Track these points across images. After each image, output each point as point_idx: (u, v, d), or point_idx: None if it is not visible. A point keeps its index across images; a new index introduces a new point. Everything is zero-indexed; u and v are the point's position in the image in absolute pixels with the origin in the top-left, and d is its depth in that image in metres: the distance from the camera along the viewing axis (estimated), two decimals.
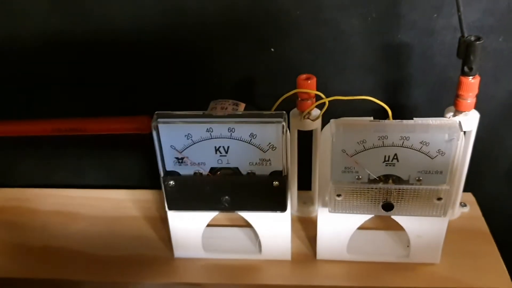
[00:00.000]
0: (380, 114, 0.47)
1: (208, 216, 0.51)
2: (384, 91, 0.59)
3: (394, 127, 0.42)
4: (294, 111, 0.53)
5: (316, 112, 0.52)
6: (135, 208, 0.61)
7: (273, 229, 0.51)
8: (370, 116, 0.48)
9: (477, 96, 0.50)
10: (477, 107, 0.52)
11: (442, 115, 0.52)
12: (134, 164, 0.66)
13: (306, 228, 0.57)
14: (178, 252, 0.54)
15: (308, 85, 0.50)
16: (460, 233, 0.55)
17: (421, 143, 0.42)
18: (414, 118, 0.43)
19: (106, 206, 0.62)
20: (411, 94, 0.59)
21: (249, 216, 0.50)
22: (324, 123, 0.52)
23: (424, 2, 0.54)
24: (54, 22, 0.57)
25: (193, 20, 0.56)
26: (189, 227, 0.51)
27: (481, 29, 0.55)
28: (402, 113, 0.61)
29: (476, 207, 0.59)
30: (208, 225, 0.52)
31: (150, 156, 0.46)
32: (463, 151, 0.52)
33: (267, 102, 0.50)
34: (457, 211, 0.57)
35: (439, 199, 0.44)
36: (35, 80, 0.61)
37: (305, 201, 0.60)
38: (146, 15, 0.56)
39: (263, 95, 0.60)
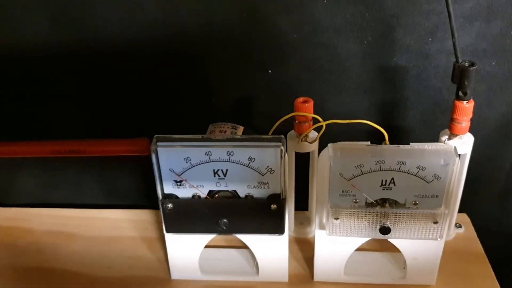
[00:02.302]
0: (376, 136, 0.47)
1: (206, 238, 0.51)
2: (380, 112, 0.60)
3: (391, 152, 0.43)
4: (292, 133, 0.53)
5: (313, 134, 0.53)
6: (132, 228, 0.61)
7: (271, 251, 0.51)
8: (366, 138, 0.49)
9: (471, 119, 0.51)
10: (471, 129, 0.52)
11: (436, 136, 0.53)
12: (133, 184, 0.66)
13: (303, 249, 0.57)
14: (175, 274, 0.54)
15: (306, 108, 0.51)
16: (455, 254, 0.56)
17: (417, 167, 0.43)
18: (411, 143, 0.44)
19: (103, 226, 0.62)
20: (407, 115, 0.60)
21: (246, 238, 0.50)
22: (321, 145, 0.53)
23: (418, 26, 0.55)
24: (53, 40, 0.57)
25: (192, 42, 0.57)
26: (186, 249, 0.51)
27: (475, 53, 0.56)
28: (397, 133, 0.61)
29: (471, 228, 0.60)
30: (206, 246, 0.52)
31: (149, 176, 0.46)
32: (458, 174, 0.53)
33: (265, 123, 0.51)
34: (452, 232, 0.58)
35: (436, 222, 0.45)
36: (34, 99, 0.62)
37: (302, 222, 0.61)
38: (146, 38, 0.56)
39: (261, 116, 0.60)
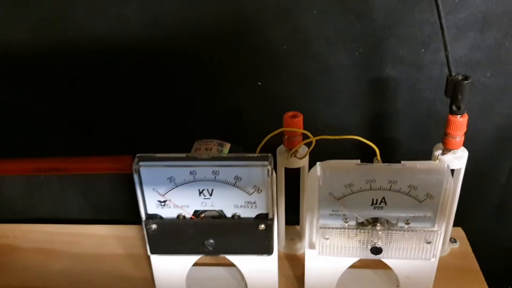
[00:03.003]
0: (369, 149, 0.46)
1: (193, 257, 0.49)
2: (372, 125, 0.59)
3: (381, 171, 0.41)
4: (281, 148, 0.52)
5: (303, 149, 0.51)
6: (119, 245, 0.59)
7: (259, 270, 0.49)
8: (358, 152, 0.47)
9: (466, 132, 0.50)
10: (466, 142, 0.51)
11: (430, 149, 0.52)
12: (119, 198, 0.65)
13: (293, 266, 0.56)
14: None
15: (295, 123, 0.49)
16: (450, 270, 0.54)
17: (409, 186, 0.42)
18: (402, 162, 0.42)
19: (89, 243, 0.60)
20: (400, 128, 0.59)
21: (235, 257, 0.49)
22: (312, 160, 0.52)
23: (411, 37, 0.54)
24: (35, 51, 0.56)
25: (180, 56, 0.55)
26: (173, 268, 0.50)
27: (469, 64, 0.55)
28: (390, 146, 0.60)
29: (466, 243, 0.58)
30: (194, 264, 0.50)
31: (134, 191, 0.45)
32: (452, 190, 0.52)
33: (254, 136, 0.49)
34: (446, 247, 0.57)
35: (429, 242, 0.43)
36: (16, 114, 0.60)
37: (293, 238, 0.59)
38: (133, 54, 0.55)
39: (251, 130, 0.58)
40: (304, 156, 0.51)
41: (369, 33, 0.53)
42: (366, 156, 0.48)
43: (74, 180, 0.61)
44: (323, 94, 0.57)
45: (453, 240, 0.57)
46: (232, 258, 0.49)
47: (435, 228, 0.43)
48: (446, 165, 0.41)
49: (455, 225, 0.59)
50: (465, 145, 0.51)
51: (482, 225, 0.63)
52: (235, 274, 0.54)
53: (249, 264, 0.49)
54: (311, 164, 0.52)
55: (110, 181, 0.60)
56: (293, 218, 0.59)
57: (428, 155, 0.52)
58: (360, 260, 0.50)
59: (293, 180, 0.54)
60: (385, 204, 0.43)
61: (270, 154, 0.42)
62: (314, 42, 0.54)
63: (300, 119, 0.49)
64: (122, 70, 0.56)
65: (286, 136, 0.50)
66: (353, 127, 0.59)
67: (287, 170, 0.52)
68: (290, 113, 0.49)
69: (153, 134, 0.60)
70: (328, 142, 0.49)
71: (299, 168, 0.53)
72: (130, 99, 0.58)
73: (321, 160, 0.48)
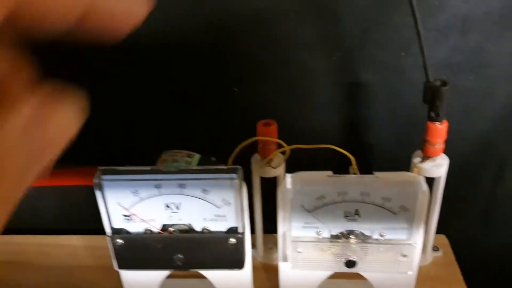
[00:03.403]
0: (346, 156, 0.44)
1: (164, 272, 0.48)
2: (352, 131, 0.57)
3: (353, 183, 0.40)
4: (256, 156, 0.50)
5: (278, 158, 0.50)
6: (91, 257, 0.58)
7: (232, 283, 0.48)
8: (335, 159, 0.45)
9: (448, 137, 0.48)
10: (448, 147, 0.49)
11: (410, 156, 0.50)
12: (91, 208, 0.63)
13: (270, 277, 0.54)
14: None
15: (268, 131, 0.47)
16: (432, 280, 0.53)
17: (382, 198, 0.40)
18: (375, 173, 0.40)
19: (61, 254, 0.58)
20: (380, 134, 0.57)
21: (206, 271, 0.47)
22: (288, 167, 0.50)
23: (391, 41, 0.52)
24: None
25: (154, 59, 0.54)
26: (143, 282, 0.48)
27: (450, 68, 0.53)
28: (371, 153, 0.58)
29: (449, 250, 0.57)
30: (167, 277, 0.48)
31: None
32: (433, 198, 0.50)
33: (229, 145, 0.48)
34: (429, 256, 0.55)
35: (404, 255, 0.42)
36: None
37: (271, 247, 0.58)
38: (107, 60, 0.53)
39: (224, 137, 0.57)
40: (279, 165, 0.49)
41: (347, 37, 0.52)
42: (344, 162, 0.46)
43: (47, 191, 0.60)
44: (301, 100, 0.55)
45: (435, 249, 0.56)
46: (203, 272, 0.47)
47: (411, 241, 0.41)
48: (420, 177, 0.39)
49: (438, 232, 0.57)
50: (448, 150, 0.49)
51: (467, 231, 0.61)
52: (209, 286, 0.52)
53: (221, 278, 0.48)
54: (288, 172, 0.50)
55: (84, 188, 0.58)
56: (272, 226, 0.57)
57: (409, 162, 0.50)
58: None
59: (272, 187, 0.53)
60: (359, 216, 0.41)
61: (239, 166, 0.41)
62: (290, 46, 0.52)
63: (274, 127, 0.48)
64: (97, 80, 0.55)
65: (260, 145, 0.49)
66: (332, 133, 0.57)
67: (265, 178, 0.51)
68: (263, 121, 0.48)
69: (121, 147, 0.58)
70: (304, 149, 0.47)
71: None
72: (97, 110, 0.56)
73: (297, 168, 0.46)
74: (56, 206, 0.64)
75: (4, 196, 0.14)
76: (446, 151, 0.49)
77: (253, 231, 0.56)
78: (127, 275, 0.48)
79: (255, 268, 0.53)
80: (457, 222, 0.61)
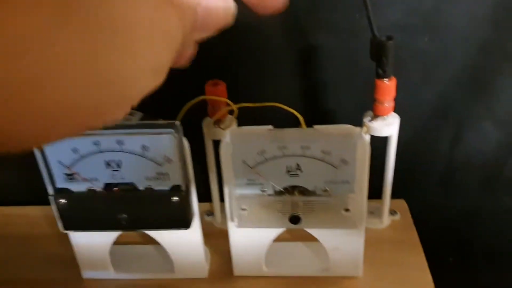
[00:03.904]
0: (305, 119, 0.44)
1: (112, 234, 0.47)
2: (309, 95, 0.57)
3: (292, 136, 0.39)
4: (207, 119, 0.50)
5: (228, 120, 0.49)
6: (50, 226, 0.57)
7: (183, 246, 0.48)
8: (292, 122, 0.45)
9: (405, 100, 0.48)
10: (405, 110, 0.49)
11: None
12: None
13: (227, 241, 0.54)
14: (86, 273, 0.50)
15: (216, 91, 0.47)
16: (388, 242, 0.53)
17: (322, 152, 0.40)
18: (314, 126, 0.40)
19: (21, 224, 0.58)
20: (337, 98, 0.57)
21: (156, 233, 0.47)
22: None
23: (344, 2, 0.51)
24: None
25: None
26: (94, 245, 0.48)
27: (406, 29, 0.53)
28: (328, 117, 0.58)
29: (408, 215, 0.56)
30: (118, 243, 0.48)
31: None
32: (387, 158, 0.50)
33: (177, 109, 0.47)
34: (386, 219, 0.55)
35: (347, 210, 0.42)
36: None
37: None
38: None
39: (171, 99, 0.56)
40: (228, 127, 0.49)
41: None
42: (297, 123, 0.46)
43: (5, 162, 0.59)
44: (255, 64, 0.55)
45: (393, 213, 0.56)
46: (153, 233, 0.47)
47: (354, 195, 0.41)
48: (359, 129, 0.39)
49: (398, 196, 0.57)
50: (405, 113, 0.49)
51: (426, 196, 0.61)
52: (163, 252, 0.52)
53: (171, 240, 0.47)
54: None
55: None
56: None
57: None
58: (289, 233, 0.49)
59: None
60: (301, 171, 0.41)
61: (177, 122, 0.40)
62: (241, 7, 0.52)
63: (222, 87, 0.47)
64: None
65: (209, 106, 0.48)
66: (289, 98, 0.56)
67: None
68: (211, 81, 0.47)
69: None
70: (256, 114, 0.47)
71: None
72: None
73: None
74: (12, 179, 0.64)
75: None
76: (403, 115, 0.49)
77: (210, 198, 0.56)
78: (77, 240, 0.48)
79: (213, 235, 0.53)
80: (417, 187, 0.60)
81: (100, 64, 0.14)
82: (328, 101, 0.57)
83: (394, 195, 0.54)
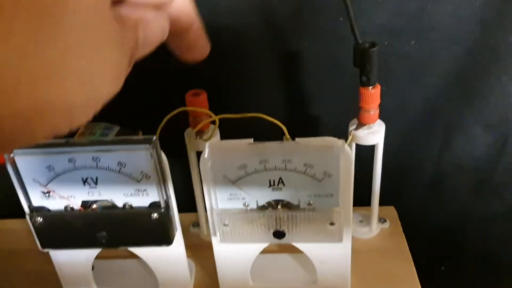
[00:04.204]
0: (289, 129, 0.43)
1: (93, 251, 0.46)
2: (294, 102, 0.56)
3: (274, 150, 0.38)
4: (189, 131, 0.49)
5: (210, 131, 0.48)
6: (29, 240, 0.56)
7: (167, 261, 0.46)
8: (277, 133, 0.44)
9: (393, 105, 0.46)
10: (393, 115, 0.48)
11: None
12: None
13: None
14: None
15: (197, 101, 0.46)
16: (378, 252, 0.52)
17: (304, 165, 0.38)
18: (296, 139, 0.39)
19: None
20: (323, 104, 0.56)
21: (137, 249, 0.46)
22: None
23: (328, 6, 0.50)
24: None
25: None
26: (75, 262, 0.47)
27: (392, 33, 0.51)
28: (314, 125, 0.57)
29: (397, 222, 0.55)
30: (100, 257, 0.47)
31: None
32: (374, 166, 0.49)
33: (159, 119, 0.46)
34: (375, 228, 0.54)
35: (332, 224, 0.40)
36: None
37: None
38: None
39: (150, 110, 0.55)
40: (210, 138, 0.47)
41: (283, 4, 0.50)
42: (280, 133, 0.45)
43: None
44: (238, 73, 0.53)
45: (382, 220, 0.54)
46: (134, 249, 0.46)
47: (338, 209, 0.40)
48: (341, 141, 0.38)
49: (387, 203, 0.56)
50: (393, 118, 0.48)
51: (416, 203, 0.60)
52: (146, 266, 0.50)
53: (154, 255, 0.46)
54: None
55: None
56: None
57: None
58: (275, 244, 0.47)
59: None
60: (284, 185, 0.40)
61: (154, 136, 0.39)
62: (223, 13, 0.50)
63: (203, 97, 0.46)
64: None
65: (190, 117, 0.47)
66: (274, 106, 0.55)
67: None
68: (192, 91, 0.46)
69: None
70: (239, 123, 0.45)
71: None
72: None
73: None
74: None
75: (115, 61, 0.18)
76: (391, 120, 0.47)
77: (195, 208, 0.54)
78: (57, 257, 0.46)
79: (199, 247, 0.52)
80: (406, 193, 0.59)
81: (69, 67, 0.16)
82: (312, 108, 0.56)
83: (383, 201, 0.53)
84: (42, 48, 0.15)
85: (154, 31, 0.21)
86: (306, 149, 0.38)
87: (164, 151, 0.40)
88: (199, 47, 0.25)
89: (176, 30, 0.23)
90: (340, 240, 0.41)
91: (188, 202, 0.52)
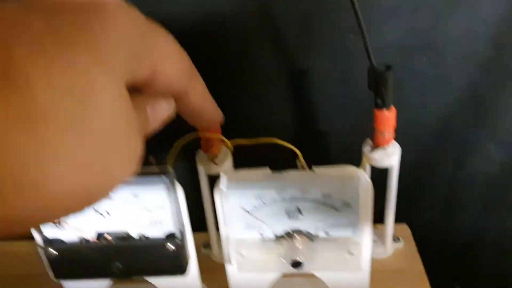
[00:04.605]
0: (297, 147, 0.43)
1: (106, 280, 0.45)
2: (302, 121, 0.55)
3: (291, 180, 0.38)
4: (200, 153, 0.48)
5: (223, 154, 0.47)
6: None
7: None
8: (283, 153, 0.43)
9: (404, 123, 0.46)
10: (405, 133, 0.47)
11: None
12: None
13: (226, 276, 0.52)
14: None
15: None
16: (393, 273, 0.51)
17: (323, 195, 0.38)
18: (314, 168, 0.38)
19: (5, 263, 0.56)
20: (331, 122, 0.55)
21: (152, 278, 0.45)
22: (235, 162, 0.48)
23: (337, 23, 0.49)
24: None
25: None
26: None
27: (402, 50, 0.51)
28: (324, 143, 0.56)
29: (411, 241, 0.54)
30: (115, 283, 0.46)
31: None
32: (388, 188, 0.48)
33: (172, 142, 0.45)
34: (389, 248, 0.53)
35: (351, 253, 0.40)
36: None
37: None
38: None
39: (166, 133, 0.54)
40: (224, 161, 0.47)
41: (289, 20, 0.49)
42: (292, 154, 0.44)
43: None
44: (244, 92, 0.53)
45: (396, 240, 0.54)
46: (148, 278, 0.45)
47: (357, 239, 0.39)
48: (360, 171, 0.37)
49: (400, 221, 0.55)
50: (405, 136, 0.47)
51: (429, 219, 0.60)
52: None
53: (166, 283, 0.45)
54: (236, 168, 0.48)
55: None
56: None
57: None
58: None
59: None
60: (301, 214, 0.39)
61: (170, 169, 0.38)
62: (229, 35, 0.50)
63: None
64: None
65: (202, 141, 0.46)
66: (280, 124, 0.55)
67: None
68: None
69: None
70: (251, 146, 0.45)
71: None
72: None
73: (244, 161, 0.44)
74: None
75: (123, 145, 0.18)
76: (403, 137, 0.47)
77: (206, 229, 0.54)
78: (70, 285, 0.46)
79: (209, 269, 0.51)
80: (419, 210, 0.59)
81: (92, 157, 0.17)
82: (321, 125, 0.55)
83: (396, 219, 0.52)
84: (69, 148, 0.15)
85: (162, 111, 0.22)
86: (324, 179, 0.37)
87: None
88: (204, 115, 0.25)
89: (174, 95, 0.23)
90: (359, 269, 0.41)
91: (197, 220, 0.52)
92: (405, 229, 0.56)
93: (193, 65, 0.23)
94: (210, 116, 0.26)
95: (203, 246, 0.56)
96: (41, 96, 0.14)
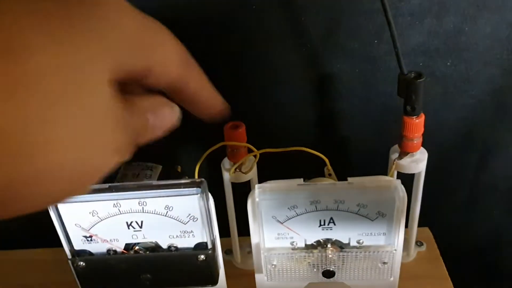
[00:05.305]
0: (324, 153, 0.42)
1: None
2: (327, 124, 0.54)
3: (326, 192, 0.37)
4: (226, 161, 0.47)
5: (249, 162, 0.47)
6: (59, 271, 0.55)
7: None
8: (309, 159, 0.43)
9: (428, 126, 0.45)
10: (428, 137, 0.47)
11: (389, 148, 0.48)
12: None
13: (250, 284, 0.52)
14: None
15: (236, 134, 0.44)
16: (417, 277, 0.51)
17: (358, 205, 0.37)
18: (349, 179, 0.38)
19: (23, 271, 0.55)
20: (356, 125, 0.54)
21: None
22: (260, 169, 0.48)
23: (362, 28, 0.49)
24: None
25: None
26: None
27: (427, 53, 0.50)
28: (346, 147, 0.56)
29: (434, 245, 0.54)
30: None
31: None
32: (414, 193, 0.48)
33: (196, 150, 0.45)
34: (412, 252, 0.53)
35: (384, 262, 0.40)
36: None
37: (249, 251, 0.55)
38: None
39: (192, 142, 0.54)
40: (250, 170, 0.46)
41: (316, 26, 0.48)
42: (319, 162, 0.44)
43: None
44: (270, 97, 0.52)
45: (419, 244, 0.54)
46: None
47: (390, 248, 0.39)
48: (397, 182, 0.37)
49: (422, 225, 0.55)
50: (428, 140, 0.47)
51: (451, 223, 0.59)
52: None
53: None
54: (260, 175, 0.48)
55: None
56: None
57: (386, 156, 0.48)
58: None
59: (246, 188, 0.50)
60: (334, 224, 0.39)
61: (202, 180, 0.38)
62: (255, 40, 0.49)
63: (242, 130, 0.45)
64: None
65: (228, 149, 0.46)
66: (305, 130, 0.54)
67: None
68: (230, 124, 0.45)
69: None
70: (277, 153, 0.45)
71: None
72: None
73: (270, 169, 0.43)
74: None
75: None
76: (426, 141, 0.47)
77: (228, 234, 0.53)
78: None
79: (232, 276, 0.51)
80: (441, 214, 0.59)
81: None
82: (345, 129, 0.55)
83: (418, 223, 0.52)
84: (45, 122, 0.16)
85: (164, 119, 0.22)
86: (360, 190, 0.37)
87: None
88: (204, 101, 0.25)
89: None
90: (391, 277, 0.40)
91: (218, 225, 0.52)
92: (426, 232, 0.56)
93: (189, 54, 0.23)
94: (212, 103, 0.25)
95: (225, 253, 0.56)
96: (35, 69, 0.16)
